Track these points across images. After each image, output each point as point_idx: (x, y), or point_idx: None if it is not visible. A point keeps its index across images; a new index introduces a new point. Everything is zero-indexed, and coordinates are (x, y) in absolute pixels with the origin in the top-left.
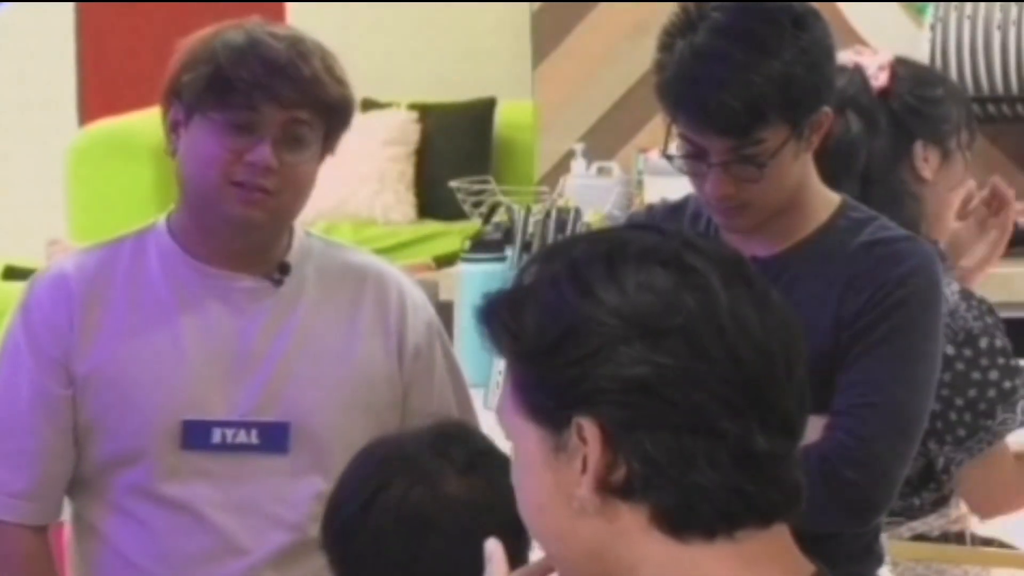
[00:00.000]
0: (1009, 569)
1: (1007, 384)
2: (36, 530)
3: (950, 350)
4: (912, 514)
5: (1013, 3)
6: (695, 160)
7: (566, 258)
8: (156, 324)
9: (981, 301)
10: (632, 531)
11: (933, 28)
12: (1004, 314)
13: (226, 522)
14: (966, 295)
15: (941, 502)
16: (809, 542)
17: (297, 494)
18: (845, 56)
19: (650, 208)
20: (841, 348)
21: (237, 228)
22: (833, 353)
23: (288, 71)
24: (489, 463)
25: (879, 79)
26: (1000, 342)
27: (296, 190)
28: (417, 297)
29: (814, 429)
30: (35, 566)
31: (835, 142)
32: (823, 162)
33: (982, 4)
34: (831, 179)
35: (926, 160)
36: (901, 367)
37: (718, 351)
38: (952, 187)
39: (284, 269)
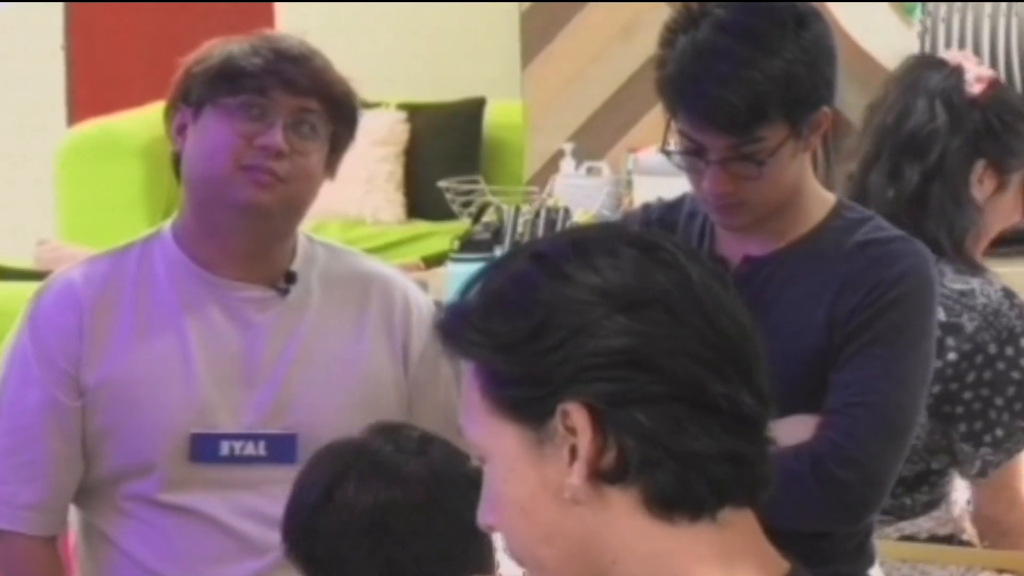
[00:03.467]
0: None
1: None
2: (46, 540)
3: (992, 349)
4: (902, 514)
5: (1002, 3)
6: (694, 157)
7: (522, 259)
8: (165, 334)
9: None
10: (619, 519)
11: (922, 27)
12: None
13: (237, 525)
14: (1009, 294)
15: (932, 505)
16: (802, 541)
17: None
18: (950, 56)
19: (646, 207)
20: (834, 347)
21: (245, 216)
22: (826, 353)
23: (299, 60)
24: (439, 445)
25: (974, 87)
26: None
27: (304, 179)
28: (422, 301)
29: (806, 429)
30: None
31: (912, 129)
32: (895, 145)
33: (971, 4)
34: (896, 165)
35: (980, 182)
36: (894, 367)
37: (697, 319)
38: (997, 219)
39: (290, 278)
